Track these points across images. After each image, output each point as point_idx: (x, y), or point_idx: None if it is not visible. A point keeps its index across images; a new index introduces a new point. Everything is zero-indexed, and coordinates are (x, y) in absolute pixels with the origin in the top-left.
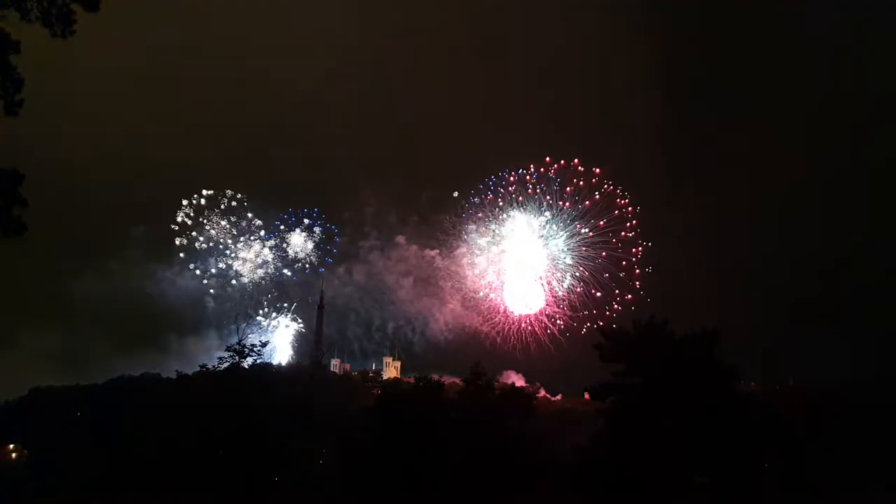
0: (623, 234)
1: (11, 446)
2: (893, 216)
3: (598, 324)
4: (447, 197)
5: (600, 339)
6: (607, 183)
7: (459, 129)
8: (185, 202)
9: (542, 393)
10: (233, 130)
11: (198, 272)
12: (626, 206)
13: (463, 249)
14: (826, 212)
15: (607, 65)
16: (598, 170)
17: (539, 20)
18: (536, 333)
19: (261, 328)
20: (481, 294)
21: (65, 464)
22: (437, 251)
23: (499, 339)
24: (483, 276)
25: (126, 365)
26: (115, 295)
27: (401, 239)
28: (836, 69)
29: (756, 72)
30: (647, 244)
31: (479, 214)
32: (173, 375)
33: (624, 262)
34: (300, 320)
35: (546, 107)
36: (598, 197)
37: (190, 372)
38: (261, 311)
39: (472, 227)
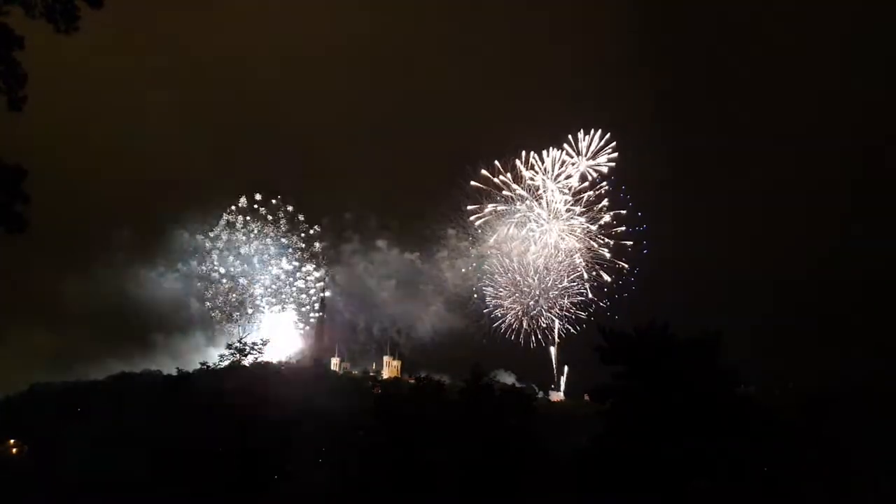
0: (623, 231)
1: (12, 441)
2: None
3: (597, 325)
4: (427, 201)
5: (600, 340)
6: (604, 183)
7: (447, 130)
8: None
9: (541, 394)
10: (230, 130)
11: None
12: (624, 199)
13: (444, 253)
14: (827, 213)
15: (606, 63)
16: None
17: (536, 18)
18: (526, 333)
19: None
20: (464, 295)
21: (65, 460)
22: (417, 254)
23: (484, 340)
24: (466, 278)
25: (117, 363)
26: (102, 294)
27: (381, 243)
28: (837, 68)
29: (756, 70)
30: (642, 245)
31: (463, 215)
32: (172, 372)
33: (623, 262)
34: (301, 319)
35: (544, 106)
36: (594, 196)
37: (189, 370)
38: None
39: (452, 231)
